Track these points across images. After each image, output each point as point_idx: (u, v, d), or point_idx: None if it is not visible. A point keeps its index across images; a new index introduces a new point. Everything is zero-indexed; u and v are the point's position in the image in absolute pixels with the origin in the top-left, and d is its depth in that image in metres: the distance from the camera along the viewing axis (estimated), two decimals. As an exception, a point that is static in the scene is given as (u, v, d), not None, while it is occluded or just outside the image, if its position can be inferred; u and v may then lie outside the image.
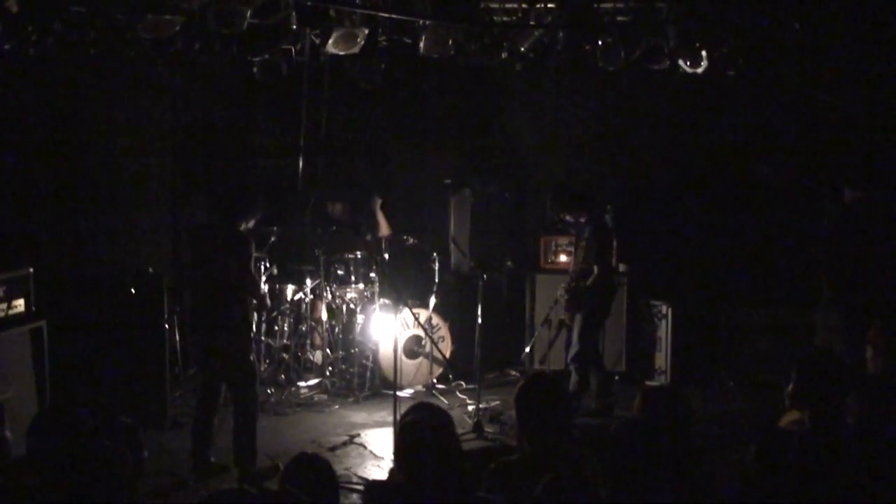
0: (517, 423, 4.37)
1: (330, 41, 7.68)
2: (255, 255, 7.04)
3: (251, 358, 7.11)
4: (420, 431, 3.79)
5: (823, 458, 4.09)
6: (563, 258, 9.77)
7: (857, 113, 8.88)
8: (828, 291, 8.48)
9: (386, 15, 7.54)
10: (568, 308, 8.44)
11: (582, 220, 8.41)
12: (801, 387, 4.25)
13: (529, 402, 4.31)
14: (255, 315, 8.23)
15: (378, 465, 7.27)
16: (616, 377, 9.38)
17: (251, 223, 6.99)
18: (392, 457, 7.03)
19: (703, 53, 8.35)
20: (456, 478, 3.76)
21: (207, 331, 6.92)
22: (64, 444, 3.65)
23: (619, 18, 8.25)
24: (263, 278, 8.72)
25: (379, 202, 9.63)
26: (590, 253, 8.27)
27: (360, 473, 7.08)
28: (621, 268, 9.60)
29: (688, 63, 8.45)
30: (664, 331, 9.50)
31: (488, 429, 8.00)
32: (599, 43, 8.31)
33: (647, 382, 9.36)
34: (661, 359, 9.51)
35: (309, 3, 7.08)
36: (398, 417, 6.58)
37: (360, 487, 6.55)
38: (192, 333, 7.43)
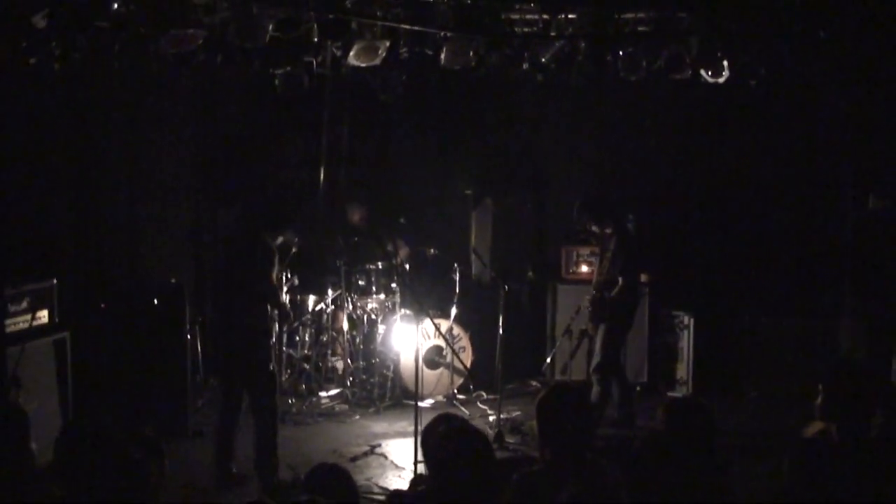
0: (539, 433, 4.37)
1: (351, 53, 7.73)
2: (276, 267, 7.07)
3: (271, 367, 7.13)
4: (450, 444, 3.80)
5: (852, 469, 4.07)
6: (584, 268, 9.76)
7: (880, 120, 8.84)
8: (851, 301, 8.46)
9: (408, 27, 7.58)
10: (592, 318, 8.41)
11: (608, 230, 8.39)
12: (831, 398, 4.23)
13: (551, 412, 4.30)
14: (277, 325, 8.28)
15: (399, 476, 7.28)
16: (637, 388, 9.37)
17: (279, 238, 7.04)
18: (412, 466, 7.10)
19: (725, 63, 8.36)
20: (483, 490, 3.77)
21: (227, 340, 6.96)
22: (90, 455, 3.66)
23: (641, 28, 8.26)
24: (285, 289, 8.76)
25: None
26: (615, 264, 8.24)
27: (381, 484, 7.10)
28: (643, 278, 9.57)
29: (709, 73, 8.45)
30: (686, 341, 9.47)
31: (509, 439, 8.01)
32: (620, 53, 8.33)
33: (669, 393, 9.32)
34: (683, 369, 9.48)
35: (331, 16, 7.10)
36: (420, 428, 6.63)
37: (382, 498, 6.56)
38: (213, 342, 7.46)
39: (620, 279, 8.21)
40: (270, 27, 7.06)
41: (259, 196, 9.59)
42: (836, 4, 7.51)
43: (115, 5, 6.34)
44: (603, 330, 8.32)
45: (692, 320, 9.44)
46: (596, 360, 8.32)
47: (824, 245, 9.44)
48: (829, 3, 7.56)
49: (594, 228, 8.52)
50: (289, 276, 8.88)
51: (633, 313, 8.53)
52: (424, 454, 4.31)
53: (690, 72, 8.44)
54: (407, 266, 9.30)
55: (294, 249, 9.02)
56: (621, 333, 8.46)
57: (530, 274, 10.02)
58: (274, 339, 8.05)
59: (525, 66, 8.56)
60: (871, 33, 7.62)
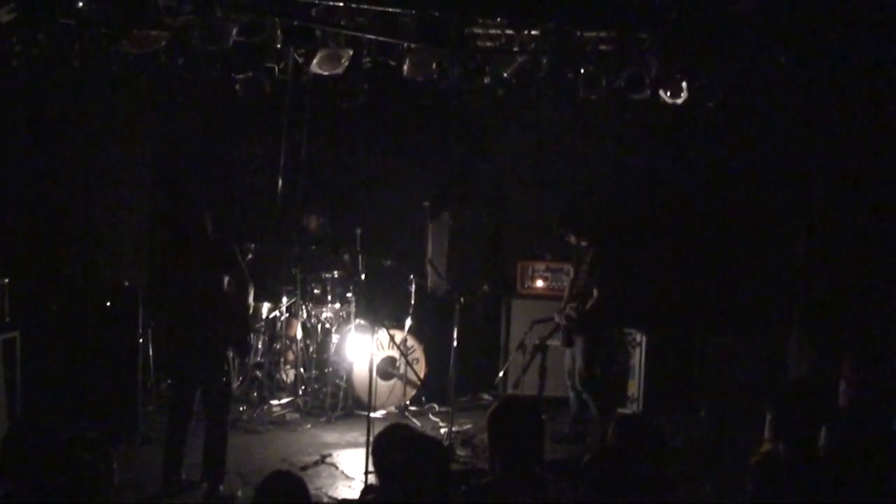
0: (489, 446, 4.38)
1: (314, 61, 7.74)
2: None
3: (228, 371, 7.06)
4: (403, 453, 3.80)
5: (801, 487, 4.13)
6: (539, 283, 9.82)
7: (835, 143, 8.97)
8: (800, 319, 8.58)
9: (372, 37, 7.59)
10: (564, 335, 8.40)
11: (584, 243, 8.41)
12: (778, 419, 4.29)
13: (502, 425, 4.32)
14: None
15: (349, 486, 7.24)
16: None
17: (208, 230, 6.87)
18: (363, 477, 7.09)
19: (684, 84, 8.46)
20: (437, 499, 3.77)
21: (193, 344, 6.79)
22: (36, 456, 3.62)
23: (602, 47, 8.34)
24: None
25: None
26: (592, 275, 8.24)
27: (331, 494, 7.05)
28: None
29: (668, 93, 8.56)
30: (637, 359, 9.52)
31: (460, 452, 8.00)
32: (581, 71, 8.41)
33: (620, 410, 9.36)
34: (634, 386, 9.54)
35: (295, 24, 7.10)
36: (371, 438, 6.62)
37: (331, 508, 6.53)
38: (167, 347, 7.34)
39: (596, 291, 8.20)
40: (234, 31, 7.06)
41: (222, 203, 9.52)
42: (794, 27, 7.63)
43: (81, 3, 6.28)
44: (582, 343, 8.32)
45: (644, 338, 9.50)
46: (579, 377, 8.31)
47: (774, 265, 9.56)
48: (786, 26, 7.68)
49: (572, 240, 8.50)
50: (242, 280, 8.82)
51: (609, 326, 8.56)
52: (375, 464, 4.31)
53: (649, 92, 8.54)
54: (363, 276, 9.27)
55: (249, 256, 9.01)
56: (599, 346, 8.45)
57: (485, 287, 10.03)
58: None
59: (486, 80, 8.62)
60: (829, 56, 7.75)
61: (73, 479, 3.44)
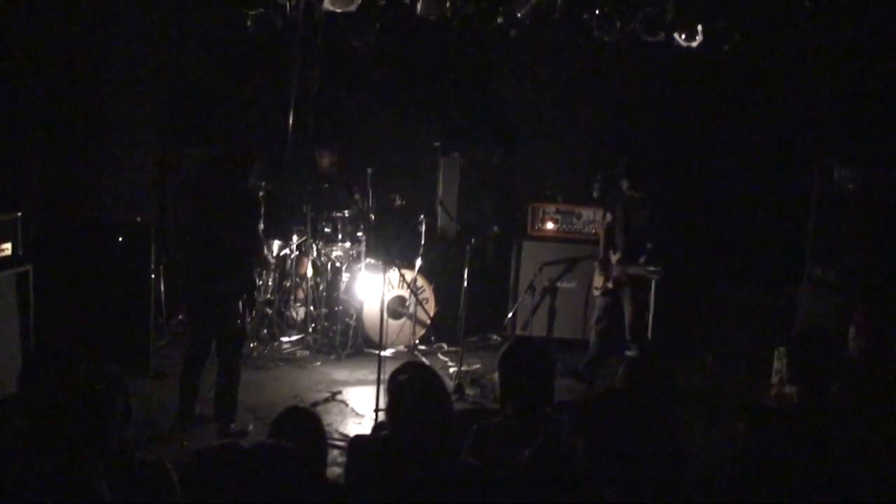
0: (500, 386, 4.42)
1: (328, -1, 7.68)
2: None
3: (246, 317, 7.10)
4: (414, 390, 3.82)
5: (810, 433, 4.17)
6: (549, 225, 9.80)
7: (850, 94, 8.91)
8: (811, 269, 8.57)
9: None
10: (614, 282, 8.34)
11: (637, 194, 8.27)
12: (794, 364, 4.33)
13: (512, 366, 4.35)
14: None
15: (359, 423, 7.32)
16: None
17: (252, 182, 6.96)
18: (373, 414, 7.16)
19: (699, 27, 8.40)
20: (444, 438, 3.80)
21: (211, 286, 6.78)
22: (53, 387, 3.65)
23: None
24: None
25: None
26: (649, 229, 8.21)
27: (342, 430, 7.14)
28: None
29: (683, 37, 8.49)
30: (647, 300, 9.53)
31: (469, 391, 8.06)
32: (596, 12, 8.34)
33: (627, 353, 9.40)
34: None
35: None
36: (383, 376, 6.68)
37: (342, 444, 6.59)
38: (184, 286, 7.35)
39: (650, 245, 8.19)
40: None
41: (227, 144, 9.47)
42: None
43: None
44: (632, 296, 8.31)
45: (655, 280, 9.47)
46: (631, 328, 8.34)
47: (786, 213, 9.54)
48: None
49: (628, 191, 8.30)
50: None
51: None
52: (387, 399, 4.34)
53: (664, 35, 8.48)
54: (373, 216, 9.28)
55: (262, 193, 9.01)
56: (648, 296, 8.48)
57: (495, 229, 10.04)
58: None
59: (500, 20, 8.54)
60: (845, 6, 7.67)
61: (90, 409, 3.47)
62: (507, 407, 4.33)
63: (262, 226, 6.90)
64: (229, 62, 9.97)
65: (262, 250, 7.36)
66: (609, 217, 8.49)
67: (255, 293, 7.89)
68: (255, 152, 7.06)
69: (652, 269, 8.13)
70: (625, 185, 8.31)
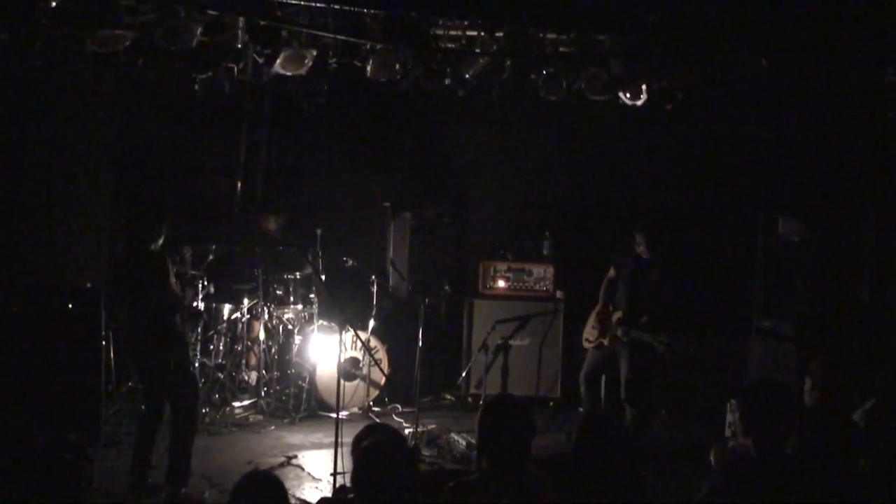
0: (477, 442, 4.41)
1: (278, 61, 7.71)
2: (173, 269, 7.00)
3: (193, 373, 7.02)
4: (380, 454, 3.80)
5: (771, 485, 4.21)
6: (501, 284, 9.86)
7: (792, 148, 9.12)
8: (759, 321, 8.70)
9: (337, 37, 7.59)
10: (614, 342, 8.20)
11: (646, 255, 8.17)
12: (750, 415, 4.37)
13: (491, 422, 4.35)
14: (190, 329, 8.18)
15: (316, 487, 7.23)
16: (551, 403, 9.54)
17: (159, 242, 6.85)
18: (330, 478, 7.07)
19: (643, 87, 8.56)
20: (411, 499, 3.79)
21: (143, 352, 6.78)
22: (16, 460, 3.58)
23: (562, 49, 8.41)
24: (200, 296, 8.67)
25: None
26: (657, 289, 8.09)
27: (299, 495, 7.04)
28: (559, 294, 9.74)
29: (627, 95, 8.65)
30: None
31: (425, 452, 8.01)
32: (543, 73, 8.47)
33: (581, 409, 9.42)
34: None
35: (262, 23, 7.07)
36: (341, 439, 6.61)
37: (300, 509, 6.51)
38: (127, 353, 7.26)
39: (645, 318, 8.03)
40: (198, 31, 7.02)
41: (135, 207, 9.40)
42: (752, 31, 7.74)
43: (54, 3, 6.21)
44: (630, 356, 8.09)
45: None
46: (627, 389, 8.12)
47: (734, 267, 9.68)
48: (744, 29, 7.78)
49: (641, 252, 8.18)
50: (205, 283, 8.78)
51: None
52: (353, 464, 4.30)
53: (609, 94, 8.62)
54: (323, 277, 9.24)
55: (211, 257, 8.97)
56: (648, 358, 8.15)
57: (446, 288, 10.05)
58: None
59: (448, 81, 8.63)
60: (787, 59, 7.86)
61: (58, 480, 3.41)
62: (482, 463, 4.32)
63: (173, 279, 6.85)
64: (178, 126, 9.94)
65: (183, 302, 7.28)
66: (612, 272, 8.44)
67: (190, 351, 7.77)
68: (165, 212, 7.00)
69: (662, 340, 7.86)
70: (641, 245, 8.20)
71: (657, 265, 8.16)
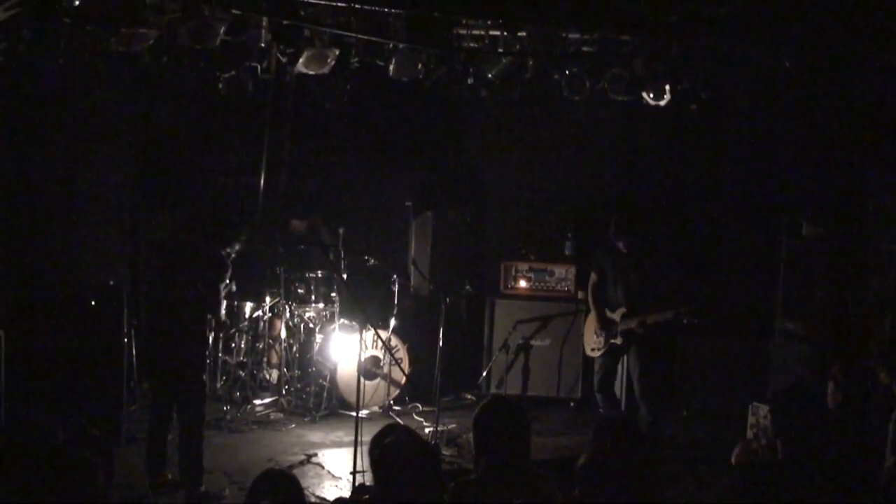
0: (475, 444, 4.41)
1: (301, 60, 7.72)
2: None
3: (203, 376, 7.05)
4: (403, 451, 3.81)
5: (797, 488, 4.18)
6: (522, 283, 9.85)
7: (817, 150, 9.06)
8: (782, 323, 8.64)
9: (360, 36, 7.60)
10: (624, 340, 8.12)
11: (627, 250, 8.13)
12: (779, 417, 4.36)
13: (488, 424, 4.35)
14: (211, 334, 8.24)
15: (336, 486, 7.25)
16: (572, 403, 9.52)
17: (236, 248, 6.98)
18: (349, 476, 7.08)
19: (667, 87, 8.53)
20: (435, 498, 3.79)
21: (166, 348, 6.82)
22: (35, 456, 3.60)
23: (585, 49, 8.39)
24: (223, 294, 8.70)
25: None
26: (651, 284, 8.07)
27: (318, 493, 7.06)
28: (580, 295, 9.71)
29: (651, 95, 8.61)
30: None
31: (445, 451, 8.01)
32: (566, 73, 8.46)
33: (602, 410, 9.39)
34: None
35: (285, 22, 7.10)
36: (360, 438, 6.62)
37: (319, 507, 6.52)
38: (147, 348, 7.31)
39: (658, 299, 7.97)
40: (222, 30, 7.05)
41: (207, 205, 9.48)
42: (779, 32, 7.69)
43: (77, 1, 6.25)
44: (640, 354, 8.09)
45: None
46: (641, 387, 8.11)
47: (758, 269, 9.63)
48: (771, 30, 7.74)
49: (622, 246, 8.16)
50: (227, 281, 8.81)
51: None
52: (371, 463, 4.31)
53: (632, 94, 8.60)
54: (345, 276, 9.26)
55: (233, 255, 8.99)
56: (659, 355, 8.20)
57: (468, 287, 10.04)
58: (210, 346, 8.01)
59: (470, 80, 8.64)
60: (814, 61, 7.82)
61: (78, 477, 3.42)
62: (481, 464, 4.32)
63: (226, 286, 6.90)
64: (202, 125, 10.00)
65: (219, 311, 7.36)
66: (594, 277, 8.40)
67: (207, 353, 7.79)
68: (246, 221, 7.10)
69: (682, 310, 7.68)
70: (622, 242, 8.15)
71: (639, 254, 8.12)
